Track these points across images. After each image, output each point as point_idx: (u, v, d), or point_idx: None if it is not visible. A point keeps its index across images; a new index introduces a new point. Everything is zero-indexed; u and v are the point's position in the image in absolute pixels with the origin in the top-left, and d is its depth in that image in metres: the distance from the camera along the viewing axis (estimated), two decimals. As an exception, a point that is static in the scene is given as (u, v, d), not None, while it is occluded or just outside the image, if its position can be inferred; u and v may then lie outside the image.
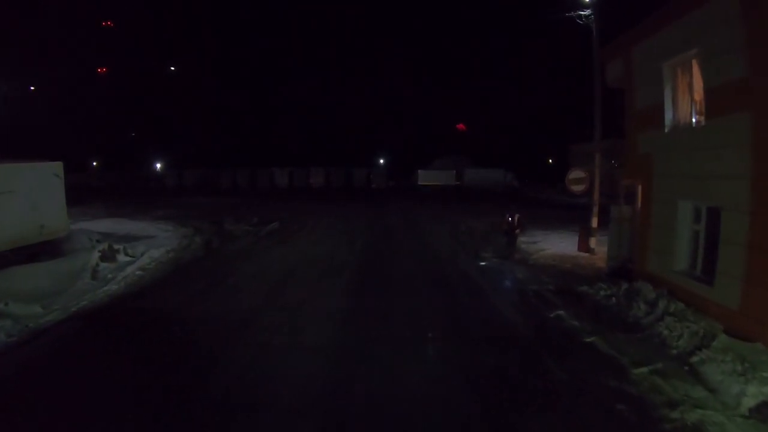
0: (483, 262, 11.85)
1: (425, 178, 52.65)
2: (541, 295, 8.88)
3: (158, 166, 63.00)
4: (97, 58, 68.72)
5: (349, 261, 11.76)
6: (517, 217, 12.06)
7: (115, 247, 12.61)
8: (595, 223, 13.35)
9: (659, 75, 8.96)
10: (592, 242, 13.34)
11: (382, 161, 61.84)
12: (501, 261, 11.95)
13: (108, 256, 12.14)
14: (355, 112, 68.60)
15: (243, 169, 52.92)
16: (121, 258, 12.34)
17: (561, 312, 7.72)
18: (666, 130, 8.79)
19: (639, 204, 10.73)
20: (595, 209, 13.35)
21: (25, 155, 12.96)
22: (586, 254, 13.23)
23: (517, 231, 12.16)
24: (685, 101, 8.62)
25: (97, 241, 13.90)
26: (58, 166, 12.85)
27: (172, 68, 71.92)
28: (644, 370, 5.86)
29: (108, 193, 44.26)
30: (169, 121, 67.78)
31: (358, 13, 75.64)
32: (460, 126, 71.94)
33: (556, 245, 14.63)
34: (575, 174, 12.89)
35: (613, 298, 8.68)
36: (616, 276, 10.31)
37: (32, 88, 58.62)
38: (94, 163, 66.68)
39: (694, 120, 8.32)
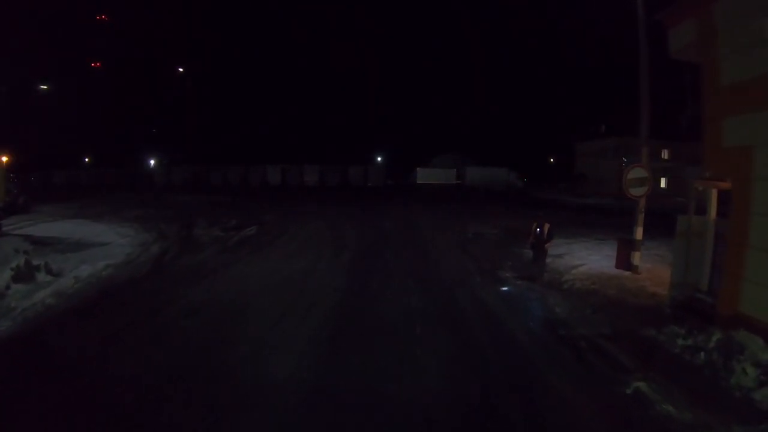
0: (505, 286, 9.18)
1: (424, 176, 50.28)
2: (597, 346, 6.25)
3: (152, 162, 60.52)
4: (91, 52, 66.47)
5: (328, 288, 8.83)
6: (547, 227, 9.41)
7: (35, 263, 9.95)
8: (639, 234, 10.73)
9: (761, 36, 6.35)
10: (636, 258, 10.73)
11: (379, 159, 59.19)
12: (527, 283, 9.32)
13: (24, 275, 9.47)
14: (352, 107, 66.05)
15: (235, 167, 50.42)
16: (41, 277, 9.69)
17: (639, 384, 5.09)
18: (776, 112, 6.18)
19: (713, 213, 8.19)
20: (641, 217, 10.72)
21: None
22: (628, 273, 10.63)
23: (547, 246, 9.54)
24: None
25: (25, 252, 11.26)
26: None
27: (180, 69, 69.43)
28: None
29: (93, 190, 41.83)
30: (162, 118, 65.68)
31: (354, 9, 73.03)
32: None
33: (586, 259, 12.05)
34: (636, 173, 10.03)
35: (702, 353, 6.07)
36: (685, 311, 7.75)
37: (44, 87, 56.53)
38: (86, 159, 64.63)
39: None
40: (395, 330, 6.59)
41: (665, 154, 43.45)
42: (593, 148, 47.39)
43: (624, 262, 10.96)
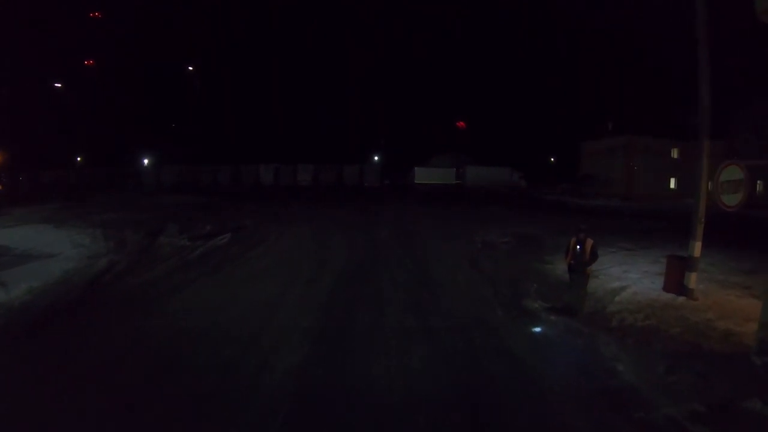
0: (537, 326, 6.94)
1: (423, 176, 48.05)
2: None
3: (146, 162, 58.29)
4: (85, 50, 64.25)
5: (293, 333, 6.42)
6: (590, 245, 7.22)
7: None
8: (697, 250, 8.57)
9: None
10: (692, 280, 8.57)
11: (376, 158, 56.91)
12: (565, 319, 7.12)
13: None
14: (348, 105, 63.90)
15: (227, 166, 48.24)
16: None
17: None
18: None
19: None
20: (700, 228, 8.56)
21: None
22: (682, 299, 8.47)
23: (590, 270, 7.36)
24: None
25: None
26: None
27: (190, 68, 67.21)
28: None
29: (79, 190, 39.62)
30: (157, 117, 63.60)
31: (352, 6, 70.91)
32: (460, 124, 67.23)
33: (624, 279, 9.90)
34: (730, 173, 7.47)
35: None
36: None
37: (58, 85, 54.59)
38: (78, 159, 62.48)
39: None
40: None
41: (674, 153, 41.85)
42: (600, 147, 45.40)
43: (676, 284, 8.80)
